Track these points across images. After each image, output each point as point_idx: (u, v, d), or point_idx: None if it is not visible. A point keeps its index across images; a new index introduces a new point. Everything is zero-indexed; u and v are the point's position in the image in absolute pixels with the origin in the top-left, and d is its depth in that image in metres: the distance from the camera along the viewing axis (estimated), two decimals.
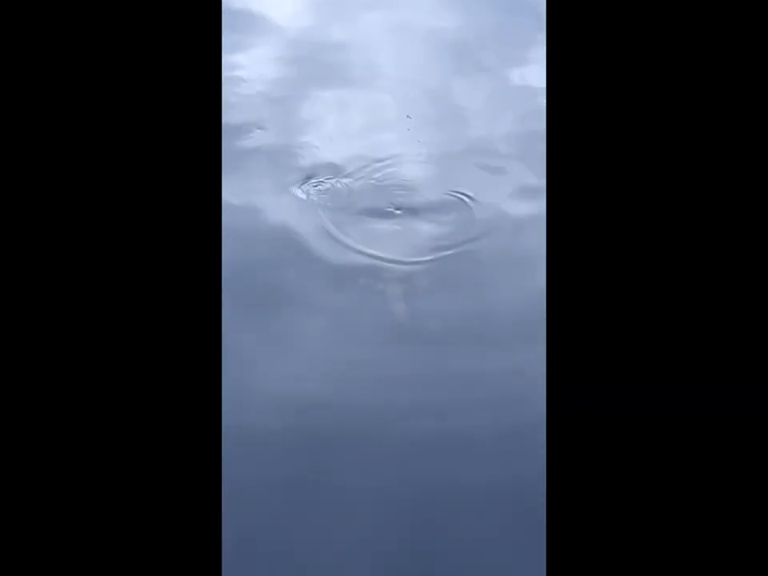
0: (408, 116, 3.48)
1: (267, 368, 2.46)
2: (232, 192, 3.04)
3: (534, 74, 3.79)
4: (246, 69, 4.03)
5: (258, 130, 3.67)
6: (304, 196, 3.30)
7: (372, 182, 3.39)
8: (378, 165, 3.47)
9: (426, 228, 3.12)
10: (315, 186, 3.38)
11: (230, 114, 3.58)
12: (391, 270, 2.85)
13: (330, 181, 3.41)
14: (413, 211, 3.21)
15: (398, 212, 3.21)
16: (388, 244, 3.02)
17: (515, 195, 3.23)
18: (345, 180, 3.41)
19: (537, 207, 2.94)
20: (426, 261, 2.93)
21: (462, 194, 3.30)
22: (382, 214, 3.20)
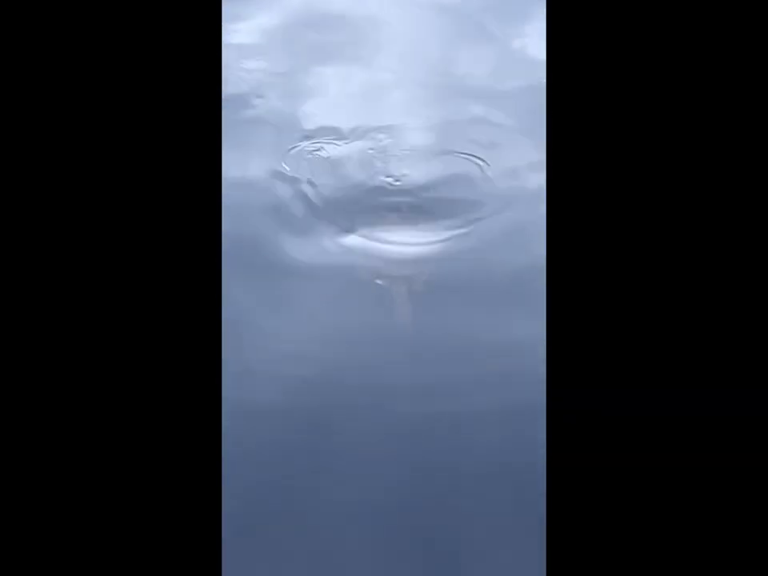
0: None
1: (265, 344, 2.45)
2: (231, 162, 3.00)
3: (534, 42, 3.73)
4: (245, 37, 3.97)
5: (258, 99, 3.64)
6: (297, 162, 3.25)
7: (371, 152, 3.36)
8: (380, 135, 3.43)
9: (427, 204, 3.07)
10: (310, 151, 3.34)
11: (230, 81, 3.55)
12: (394, 261, 2.79)
13: (326, 144, 3.38)
14: (412, 184, 3.18)
15: (397, 183, 3.18)
16: (389, 223, 2.98)
17: (517, 167, 3.19)
18: (340, 145, 3.38)
19: (537, 187, 2.91)
20: (428, 242, 2.88)
21: (476, 156, 3.26)
22: (380, 184, 3.17)
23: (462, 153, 3.30)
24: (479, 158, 3.26)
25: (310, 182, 3.17)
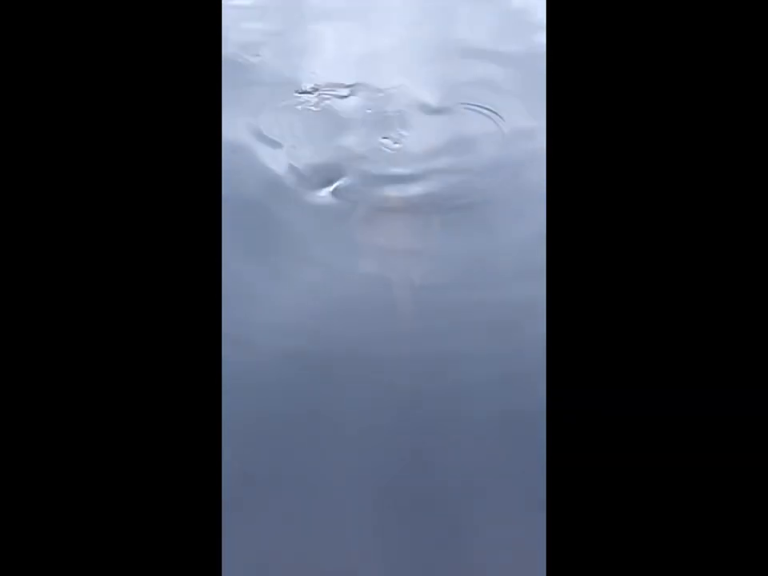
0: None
1: (263, 315, 2.45)
2: (231, 125, 2.98)
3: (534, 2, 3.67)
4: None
5: (254, 57, 3.59)
6: (292, 124, 3.20)
7: (369, 111, 3.31)
8: (378, 95, 3.38)
9: (424, 183, 2.98)
10: (307, 108, 3.30)
11: (228, 42, 3.49)
12: (393, 252, 2.72)
13: (325, 100, 3.34)
14: (411, 146, 3.13)
15: (396, 145, 3.13)
16: (388, 204, 2.92)
17: (516, 134, 3.14)
18: (338, 102, 3.33)
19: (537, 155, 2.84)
20: (426, 231, 2.77)
21: (486, 108, 3.20)
22: (377, 147, 3.12)
23: (470, 104, 3.24)
24: (489, 110, 3.21)
25: (299, 147, 3.10)
